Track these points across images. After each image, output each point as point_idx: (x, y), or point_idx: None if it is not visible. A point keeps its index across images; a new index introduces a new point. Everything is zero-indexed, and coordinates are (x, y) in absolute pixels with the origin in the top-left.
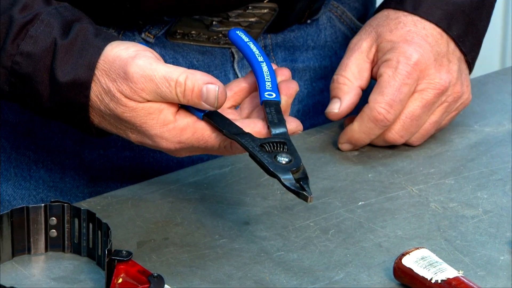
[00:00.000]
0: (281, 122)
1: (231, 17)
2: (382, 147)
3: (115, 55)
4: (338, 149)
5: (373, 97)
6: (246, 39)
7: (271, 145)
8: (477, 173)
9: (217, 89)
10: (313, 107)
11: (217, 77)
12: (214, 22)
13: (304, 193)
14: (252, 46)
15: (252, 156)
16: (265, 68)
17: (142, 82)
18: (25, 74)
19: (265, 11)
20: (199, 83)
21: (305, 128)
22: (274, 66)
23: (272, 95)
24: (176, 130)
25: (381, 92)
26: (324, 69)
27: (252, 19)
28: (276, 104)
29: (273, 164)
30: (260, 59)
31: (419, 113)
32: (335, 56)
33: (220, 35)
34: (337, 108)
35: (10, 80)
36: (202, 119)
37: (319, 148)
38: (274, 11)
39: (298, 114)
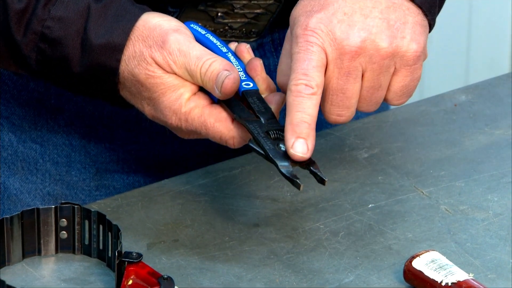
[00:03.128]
0: (268, 110)
1: (236, 8)
2: (392, 150)
3: (156, 23)
4: (348, 151)
5: (288, 80)
6: (202, 31)
7: (277, 132)
8: (487, 175)
9: (226, 74)
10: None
11: None
12: (219, 14)
13: (298, 181)
14: (211, 38)
15: (256, 141)
16: (232, 58)
17: (176, 55)
18: (56, 38)
19: (271, 2)
20: (219, 68)
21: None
22: (232, 47)
23: (249, 84)
24: (186, 108)
25: (292, 70)
26: None
27: (258, 10)
28: (256, 92)
29: (273, 151)
30: (224, 50)
31: (341, 85)
32: None
33: (227, 27)
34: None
35: (39, 46)
36: (217, 102)
37: (329, 150)
38: (280, 2)
39: None
